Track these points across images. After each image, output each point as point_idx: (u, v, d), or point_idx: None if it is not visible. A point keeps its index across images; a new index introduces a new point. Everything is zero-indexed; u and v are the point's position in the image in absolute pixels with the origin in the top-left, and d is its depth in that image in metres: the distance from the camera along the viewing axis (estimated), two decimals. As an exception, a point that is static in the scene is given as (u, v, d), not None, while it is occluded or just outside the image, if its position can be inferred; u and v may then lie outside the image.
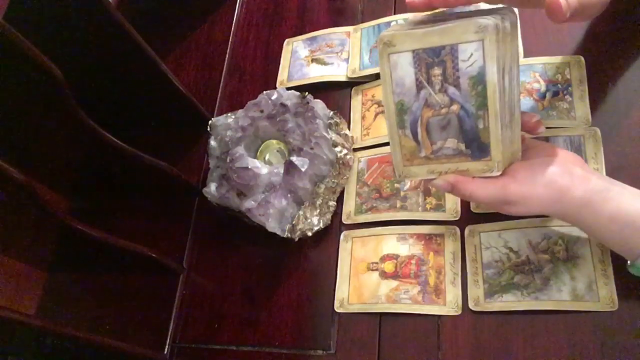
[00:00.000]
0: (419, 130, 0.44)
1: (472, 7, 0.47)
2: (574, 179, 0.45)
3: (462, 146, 0.44)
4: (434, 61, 0.41)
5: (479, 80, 0.40)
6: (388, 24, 0.75)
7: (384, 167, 0.65)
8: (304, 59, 0.78)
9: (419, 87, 0.43)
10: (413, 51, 0.41)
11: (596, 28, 0.64)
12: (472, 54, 0.40)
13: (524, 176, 0.45)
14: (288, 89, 0.70)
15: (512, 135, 0.44)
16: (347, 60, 0.75)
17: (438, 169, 0.45)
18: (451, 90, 0.42)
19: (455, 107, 0.42)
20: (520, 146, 0.47)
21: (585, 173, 0.46)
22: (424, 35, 0.41)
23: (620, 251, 0.48)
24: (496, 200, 0.45)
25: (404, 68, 0.42)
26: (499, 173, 0.44)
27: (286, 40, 0.81)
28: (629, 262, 0.48)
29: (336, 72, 0.74)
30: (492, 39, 0.39)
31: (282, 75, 0.78)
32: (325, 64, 0.76)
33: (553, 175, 0.45)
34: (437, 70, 0.41)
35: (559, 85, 0.62)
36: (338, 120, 0.67)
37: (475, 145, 0.43)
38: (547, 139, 0.59)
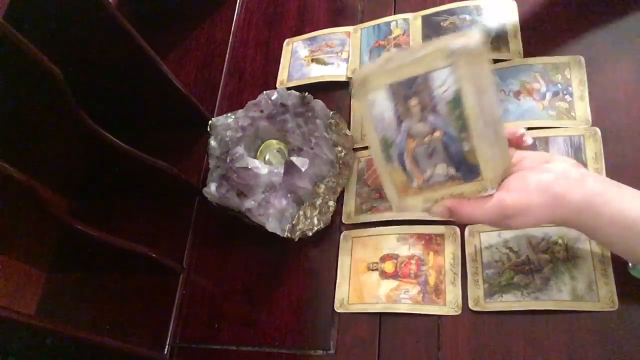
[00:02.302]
0: (406, 161, 0.44)
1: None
2: (570, 183, 0.44)
3: (452, 170, 0.44)
4: (410, 92, 0.41)
5: (457, 103, 0.41)
6: (388, 24, 0.75)
7: (384, 167, 0.65)
8: (303, 59, 0.78)
9: (399, 119, 0.43)
10: (388, 86, 0.42)
11: (596, 28, 0.64)
12: (445, 80, 0.40)
13: (518, 187, 0.44)
14: (288, 89, 0.70)
15: (500, 152, 0.44)
16: (347, 60, 0.75)
17: (433, 196, 0.45)
18: (431, 118, 0.42)
19: (438, 134, 0.43)
20: (511, 161, 0.46)
21: (581, 175, 0.45)
22: (396, 69, 0.41)
23: (622, 254, 0.47)
24: (495, 217, 0.45)
25: (382, 104, 0.43)
26: (493, 191, 0.44)
27: (286, 41, 0.81)
28: (630, 264, 0.48)
29: (336, 72, 0.74)
30: (463, 61, 0.39)
31: (282, 75, 0.78)
32: (325, 64, 0.76)
33: (547, 181, 0.44)
34: (414, 101, 0.42)
35: (559, 85, 0.62)
36: (338, 120, 0.67)
37: (465, 168, 0.43)
38: (547, 139, 0.59)
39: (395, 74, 0.42)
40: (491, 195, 0.44)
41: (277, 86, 0.77)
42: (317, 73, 0.75)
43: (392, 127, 0.43)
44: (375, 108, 0.43)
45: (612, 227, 0.44)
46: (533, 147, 0.55)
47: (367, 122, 0.44)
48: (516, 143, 0.49)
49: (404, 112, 0.43)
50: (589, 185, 0.45)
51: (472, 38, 0.39)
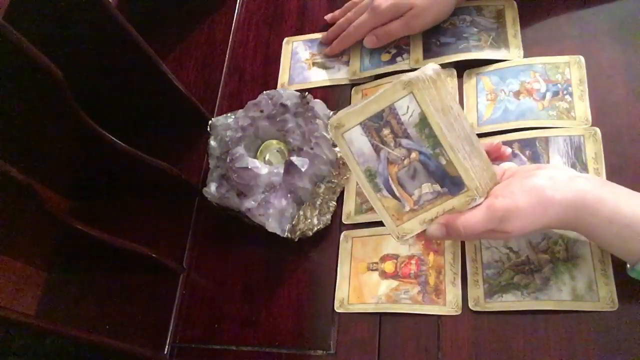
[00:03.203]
0: (393, 187, 0.47)
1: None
2: (557, 183, 0.45)
3: (438, 187, 0.46)
4: (380, 124, 0.46)
5: (423, 124, 0.45)
6: (388, 24, 0.75)
7: (384, 167, 0.65)
8: (304, 62, 0.78)
9: (377, 150, 0.47)
10: (360, 124, 0.46)
11: (596, 28, 0.64)
12: (408, 107, 0.45)
13: (504, 192, 0.45)
14: (288, 90, 0.70)
15: (480, 162, 0.47)
16: (347, 62, 0.75)
17: (428, 216, 0.47)
18: (404, 142, 0.46)
19: (414, 155, 0.46)
20: (495, 172, 0.49)
21: (569, 176, 0.46)
22: (364, 108, 0.46)
23: (621, 254, 0.47)
24: (489, 221, 0.45)
25: (359, 140, 0.47)
26: (482, 200, 0.46)
27: (285, 39, 0.81)
28: (628, 265, 0.48)
29: (337, 75, 0.75)
30: (419, 88, 0.44)
31: (283, 77, 0.78)
32: (326, 67, 0.76)
33: (530, 183, 0.45)
34: (385, 131, 0.46)
35: (559, 85, 0.62)
36: (338, 120, 0.66)
37: (449, 181, 0.46)
38: (547, 139, 0.59)
39: (364, 112, 0.46)
40: (480, 204, 0.46)
41: (277, 89, 0.77)
42: (319, 77, 0.76)
43: (372, 158, 0.47)
44: (353, 145, 0.47)
45: (610, 226, 0.44)
46: (518, 159, 0.56)
47: (349, 159, 0.48)
48: (496, 155, 0.50)
49: (380, 143, 0.47)
50: (579, 185, 0.45)
51: (426, 69, 0.44)
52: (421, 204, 0.47)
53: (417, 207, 0.47)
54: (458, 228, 0.46)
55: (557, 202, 0.45)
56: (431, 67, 0.45)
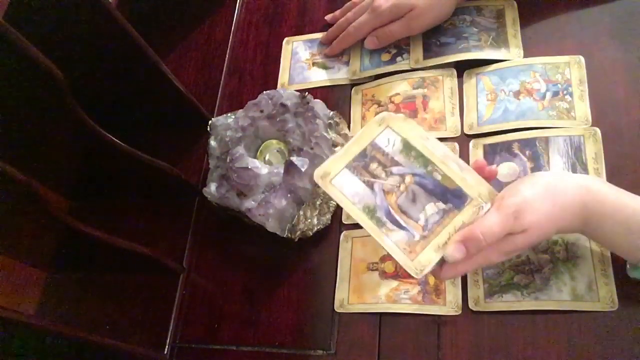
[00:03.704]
0: (397, 217, 0.46)
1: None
2: (560, 175, 0.47)
3: (441, 204, 0.45)
4: (367, 161, 0.47)
5: (408, 148, 0.46)
6: (388, 24, 0.75)
7: (384, 167, 0.65)
8: (304, 62, 0.78)
9: (370, 185, 0.47)
10: (346, 166, 0.47)
11: (596, 28, 0.64)
12: (389, 139, 0.46)
13: (510, 191, 0.46)
14: (288, 90, 0.70)
15: (472, 178, 0.46)
16: (347, 62, 0.75)
17: (441, 240, 0.45)
18: (395, 169, 0.46)
19: (409, 179, 0.46)
20: (491, 187, 0.47)
21: (567, 172, 0.47)
22: (345, 152, 0.48)
23: (624, 250, 0.47)
24: (503, 221, 0.43)
25: (349, 181, 0.47)
26: (489, 205, 0.45)
27: (285, 39, 0.81)
28: (628, 265, 0.48)
29: (337, 76, 0.75)
30: (393, 120, 0.46)
31: (283, 77, 0.78)
32: (326, 67, 0.76)
33: (534, 177, 0.47)
34: (373, 165, 0.47)
35: (559, 85, 0.62)
36: (338, 120, 0.67)
37: (450, 196, 0.45)
38: (547, 139, 0.59)
39: (347, 155, 0.48)
40: (489, 209, 0.45)
41: (277, 89, 0.77)
42: (319, 77, 0.76)
43: (367, 194, 0.47)
44: (345, 188, 0.47)
45: (617, 214, 0.45)
46: (518, 159, 0.58)
47: (345, 203, 0.47)
48: (487, 175, 0.48)
49: (371, 177, 0.47)
50: (580, 178, 0.47)
51: (392, 113, 0.47)
52: (430, 228, 0.45)
53: (426, 232, 0.45)
54: (477, 237, 0.43)
55: (562, 190, 0.45)
56: (398, 115, 0.48)
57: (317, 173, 0.48)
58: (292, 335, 0.61)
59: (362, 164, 0.47)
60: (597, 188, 0.46)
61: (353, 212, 0.47)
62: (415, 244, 0.45)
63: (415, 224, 0.46)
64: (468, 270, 0.47)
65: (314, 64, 0.77)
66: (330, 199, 0.64)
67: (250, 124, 0.67)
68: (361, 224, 0.47)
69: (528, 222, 0.44)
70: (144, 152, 0.64)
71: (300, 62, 0.78)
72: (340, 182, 0.47)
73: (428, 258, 0.45)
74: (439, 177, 0.45)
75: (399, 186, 0.46)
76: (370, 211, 0.46)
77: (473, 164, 0.49)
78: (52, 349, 0.54)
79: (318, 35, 0.79)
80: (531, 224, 0.44)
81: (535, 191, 0.45)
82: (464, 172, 0.46)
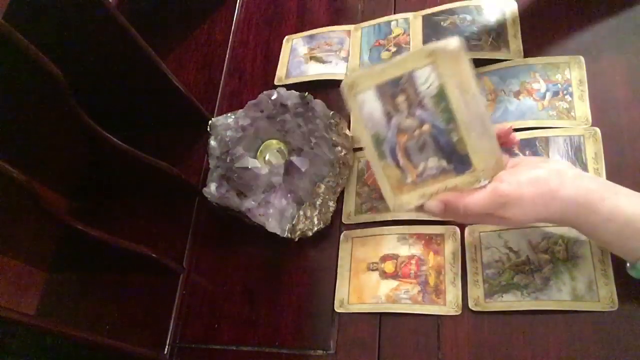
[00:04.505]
0: (399, 156, 0.46)
1: None
2: (564, 179, 0.45)
3: (444, 162, 0.45)
4: (396, 90, 0.44)
5: (441, 97, 0.43)
6: (388, 23, 0.75)
7: (384, 167, 0.65)
8: (302, 56, 0.78)
9: (389, 116, 0.45)
10: (375, 87, 0.45)
11: (596, 28, 0.64)
12: (428, 77, 0.43)
13: (511, 179, 0.45)
14: (287, 87, 0.70)
15: (489, 145, 0.45)
16: (345, 58, 0.75)
17: (428, 191, 0.46)
18: (418, 112, 0.44)
19: (426, 127, 0.45)
20: (502, 156, 0.47)
21: (576, 174, 0.46)
22: (382, 71, 0.44)
23: (621, 253, 0.47)
24: (489, 205, 0.45)
25: (371, 103, 0.45)
26: (487, 182, 0.45)
27: (286, 37, 0.81)
28: (628, 264, 0.48)
29: (334, 70, 0.74)
30: (443, 59, 0.42)
31: (281, 71, 0.78)
32: (323, 62, 0.76)
33: (540, 175, 0.45)
34: (400, 98, 0.44)
35: (559, 85, 0.61)
36: (338, 120, 0.67)
37: (456, 159, 0.45)
38: (547, 139, 0.59)
39: (381, 76, 0.45)
40: (484, 186, 0.45)
41: (275, 82, 0.77)
42: (316, 71, 0.75)
43: (382, 124, 0.46)
44: (365, 108, 0.46)
45: (610, 224, 0.45)
46: (525, 147, 0.55)
47: (358, 122, 0.46)
48: (505, 139, 0.49)
49: (392, 109, 0.45)
50: (585, 183, 0.45)
51: (450, 41, 0.42)
52: (424, 177, 0.46)
53: (419, 180, 0.46)
54: (457, 208, 0.45)
55: (560, 197, 0.45)
56: (456, 41, 0.43)
57: (346, 81, 0.46)
58: (292, 335, 0.61)
59: (392, 92, 0.44)
60: (595, 198, 0.45)
61: (362, 134, 0.46)
62: (404, 185, 0.47)
63: (412, 169, 0.46)
64: (437, 215, 0.48)
65: (311, 58, 0.77)
66: (330, 199, 0.64)
67: (250, 124, 0.67)
68: (364, 148, 0.47)
69: (511, 214, 0.45)
70: (144, 152, 0.64)
71: (298, 57, 0.78)
72: (363, 99, 0.45)
73: (409, 201, 0.47)
74: (454, 139, 0.44)
75: (415, 131, 0.45)
76: (378, 141, 0.46)
77: (502, 130, 0.49)
78: (52, 349, 0.54)
79: (317, 31, 0.79)
80: (513, 217, 0.45)
81: (534, 191, 0.44)
82: (482, 140, 0.44)
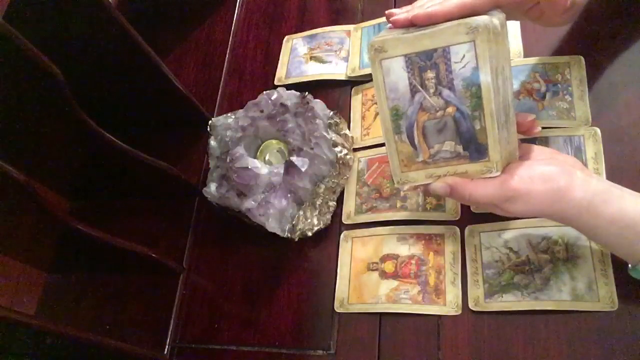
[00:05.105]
0: (415, 134, 0.44)
1: None
2: (574, 180, 0.45)
3: (460, 148, 0.44)
4: (427, 64, 0.41)
5: (473, 81, 0.41)
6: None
7: (384, 167, 0.65)
8: (302, 56, 0.78)
9: (413, 91, 0.43)
10: (405, 55, 0.41)
11: (596, 28, 0.64)
12: (464, 56, 0.40)
13: (523, 173, 0.44)
14: (287, 87, 0.70)
15: (508, 135, 0.44)
16: (345, 58, 0.75)
17: (436, 172, 0.45)
18: (446, 92, 0.42)
19: (450, 110, 0.42)
20: (517, 147, 0.47)
21: (585, 176, 0.45)
22: (416, 39, 0.41)
23: (622, 254, 0.47)
24: (496, 197, 0.45)
25: (397, 73, 0.42)
26: (498, 173, 0.44)
27: (286, 37, 0.81)
28: (629, 265, 0.48)
29: (334, 70, 0.74)
30: (483, 39, 0.39)
31: (281, 72, 0.78)
32: (323, 62, 0.76)
33: (552, 173, 0.45)
34: (430, 74, 0.41)
35: (559, 85, 0.62)
36: (338, 120, 0.67)
37: (473, 147, 0.43)
38: (547, 139, 0.59)
39: (414, 44, 0.41)
40: (494, 177, 0.44)
41: (275, 82, 0.77)
42: (315, 71, 0.75)
43: (405, 97, 0.43)
44: (389, 76, 0.43)
45: (612, 226, 0.44)
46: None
47: (379, 89, 0.43)
48: (526, 130, 0.49)
49: (419, 84, 0.42)
50: (592, 186, 0.45)
51: (494, 17, 0.39)
52: (436, 159, 0.45)
53: (430, 160, 0.45)
54: (464, 194, 0.45)
55: (567, 199, 0.44)
56: (498, 15, 0.40)
57: (374, 42, 0.42)
58: (292, 335, 0.61)
59: (422, 65, 0.41)
60: (599, 201, 0.44)
61: (381, 104, 0.44)
62: (414, 162, 0.45)
63: (425, 149, 0.45)
64: (440, 196, 0.49)
65: (311, 58, 0.77)
66: (330, 199, 0.64)
67: (250, 124, 0.67)
68: (381, 119, 0.45)
69: (515, 209, 0.45)
70: (144, 152, 0.64)
71: (298, 57, 0.78)
72: (389, 67, 0.42)
73: (415, 178, 0.46)
74: (477, 127, 0.42)
75: (438, 111, 0.43)
76: (397, 115, 0.44)
77: (526, 120, 0.48)
78: (52, 349, 0.54)
79: (317, 31, 0.79)
80: (516, 212, 0.45)
81: (543, 191, 0.44)
82: (503, 131, 0.43)
